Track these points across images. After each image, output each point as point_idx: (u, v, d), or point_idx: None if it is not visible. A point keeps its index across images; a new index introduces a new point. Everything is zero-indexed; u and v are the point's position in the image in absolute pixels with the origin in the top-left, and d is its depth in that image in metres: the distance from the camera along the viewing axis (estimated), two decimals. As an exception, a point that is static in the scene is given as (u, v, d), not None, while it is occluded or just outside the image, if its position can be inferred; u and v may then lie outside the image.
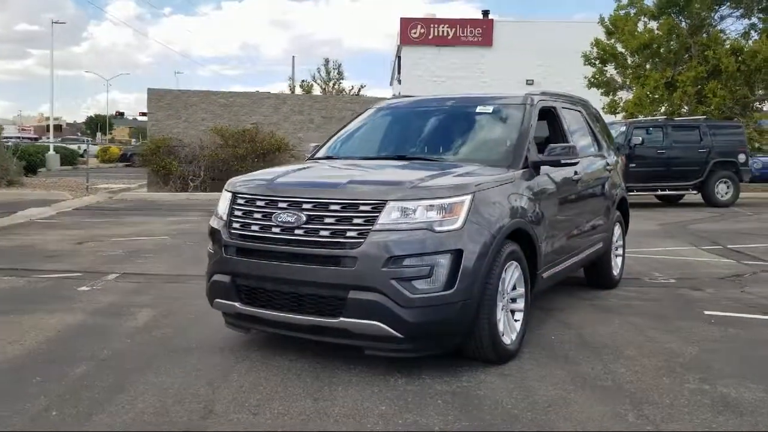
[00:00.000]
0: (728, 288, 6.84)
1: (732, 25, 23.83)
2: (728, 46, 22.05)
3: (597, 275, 6.48)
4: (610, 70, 24.71)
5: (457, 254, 3.83)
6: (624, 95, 24.41)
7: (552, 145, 4.95)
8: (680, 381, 4.01)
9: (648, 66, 23.69)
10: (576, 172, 5.48)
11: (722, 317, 5.57)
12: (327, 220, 3.92)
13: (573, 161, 4.93)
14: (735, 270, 7.89)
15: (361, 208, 3.88)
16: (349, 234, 3.86)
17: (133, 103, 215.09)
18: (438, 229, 3.83)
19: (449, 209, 3.88)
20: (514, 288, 4.37)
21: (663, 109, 22.02)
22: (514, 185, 4.48)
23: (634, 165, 15.97)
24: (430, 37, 36.33)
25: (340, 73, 46.28)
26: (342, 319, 3.84)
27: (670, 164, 16.51)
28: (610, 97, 24.35)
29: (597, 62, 24.45)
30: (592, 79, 24.38)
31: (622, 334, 5.04)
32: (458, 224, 3.87)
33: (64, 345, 4.68)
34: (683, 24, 23.26)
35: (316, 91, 43.62)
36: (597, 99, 25.41)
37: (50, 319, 5.32)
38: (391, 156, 5.08)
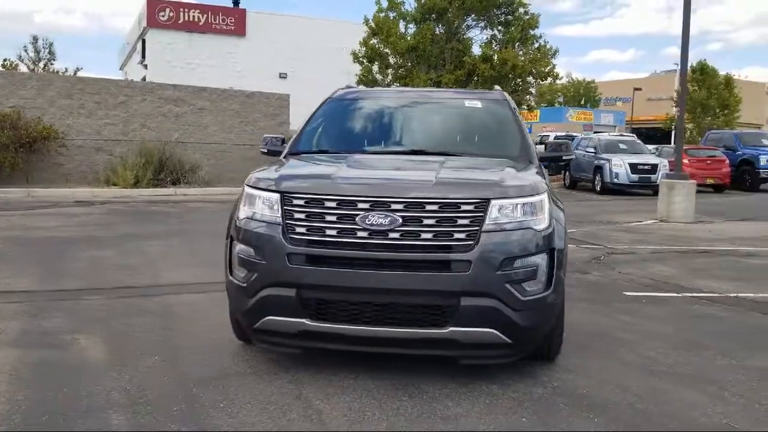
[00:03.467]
0: (606, 270, 7.69)
1: (479, 35, 26.37)
2: (480, 53, 24.55)
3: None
4: (375, 68, 25.89)
5: (551, 253, 3.76)
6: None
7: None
8: (707, 359, 4.44)
9: (410, 65, 25.30)
10: None
11: (646, 297, 6.27)
12: (426, 222, 3.56)
13: (570, 157, 5.12)
14: (588, 254, 8.86)
15: (463, 207, 3.60)
16: (456, 236, 3.55)
17: None
18: (536, 227, 3.72)
19: (539, 208, 3.78)
20: None
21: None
22: (549, 182, 4.52)
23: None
24: (180, 21, 34.35)
25: (51, 53, 41.56)
26: (452, 328, 3.52)
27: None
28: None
29: (365, 61, 25.44)
30: (362, 77, 25.29)
31: (596, 319, 5.38)
32: (546, 222, 3.79)
33: (43, 391, 3.57)
34: (438, 30, 25.25)
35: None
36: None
37: (-32, 360, 4.03)
38: (406, 151, 4.74)
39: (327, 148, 4.89)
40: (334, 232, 3.60)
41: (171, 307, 5.47)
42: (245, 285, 3.75)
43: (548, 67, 25.16)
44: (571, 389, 3.79)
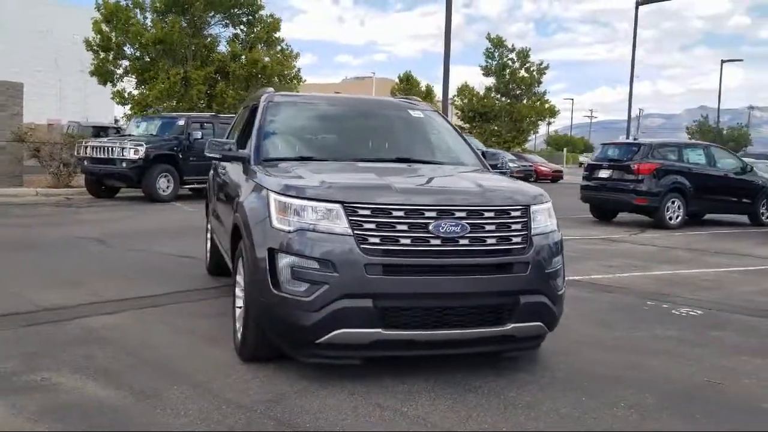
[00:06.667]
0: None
1: (223, 32, 25.82)
2: (229, 50, 24.16)
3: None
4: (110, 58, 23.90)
5: (562, 252, 4.28)
6: (128, 86, 24.08)
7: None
8: (627, 332, 5.33)
9: (148, 58, 23.84)
10: None
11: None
12: (488, 228, 3.82)
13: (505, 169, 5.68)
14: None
15: (513, 213, 3.93)
16: (514, 240, 3.87)
17: None
18: (556, 229, 4.21)
19: (552, 212, 4.28)
20: None
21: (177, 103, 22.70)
22: None
23: (194, 159, 16.25)
24: None
25: None
26: (512, 325, 3.84)
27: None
28: (113, 87, 23.74)
29: (100, 50, 23.33)
30: (98, 66, 23.16)
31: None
32: (556, 225, 4.31)
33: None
34: (182, 24, 24.22)
35: None
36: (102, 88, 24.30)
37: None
38: (393, 159, 4.85)
39: (311, 155, 4.77)
40: (408, 241, 3.67)
41: (98, 332, 4.79)
42: (308, 299, 3.60)
43: (293, 70, 25.76)
44: (581, 370, 4.30)
